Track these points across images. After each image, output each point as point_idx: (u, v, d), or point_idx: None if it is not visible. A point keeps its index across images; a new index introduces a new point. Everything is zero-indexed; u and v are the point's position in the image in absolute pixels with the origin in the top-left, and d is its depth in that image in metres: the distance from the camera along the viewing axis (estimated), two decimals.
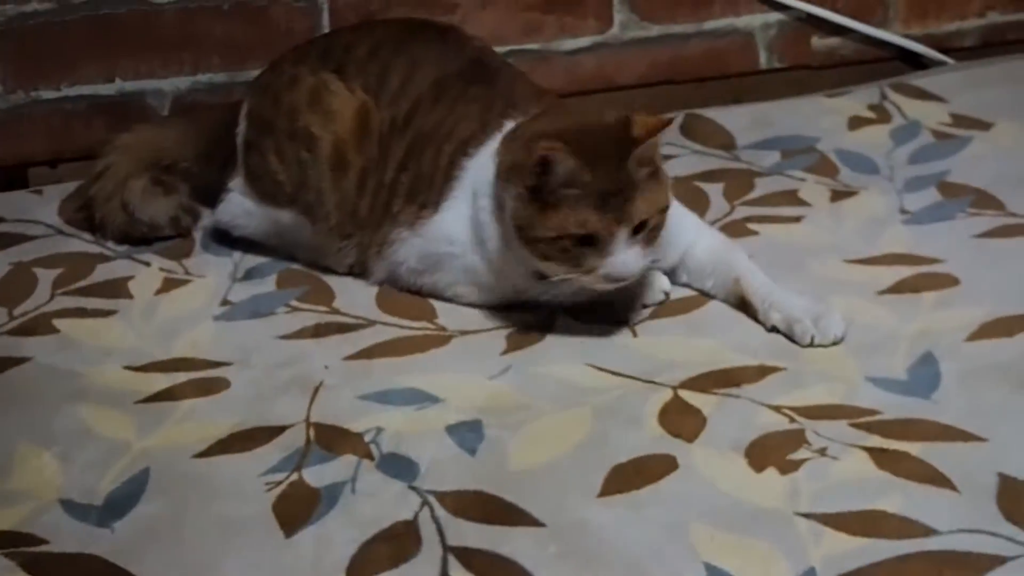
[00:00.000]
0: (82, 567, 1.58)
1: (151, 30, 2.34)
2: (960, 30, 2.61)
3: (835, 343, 1.89)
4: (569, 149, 1.81)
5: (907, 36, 2.58)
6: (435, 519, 1.62)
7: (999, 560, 1.53)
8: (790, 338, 1.91)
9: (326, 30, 2.38)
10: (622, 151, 1.83)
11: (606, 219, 1.82)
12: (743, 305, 1.97)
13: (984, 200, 2.18)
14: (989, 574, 1.52)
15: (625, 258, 1.84)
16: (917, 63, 2.60)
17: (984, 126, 2.38)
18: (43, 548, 1.60)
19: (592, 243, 1.83)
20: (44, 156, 2.37)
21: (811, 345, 1.89)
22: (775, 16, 2.53)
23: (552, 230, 1.83)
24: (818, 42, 2.57)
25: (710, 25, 2.52)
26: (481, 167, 1.96)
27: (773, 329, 1.93)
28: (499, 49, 2.30)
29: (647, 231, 1.86)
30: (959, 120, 2.40)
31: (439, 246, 1.99)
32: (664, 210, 1.89)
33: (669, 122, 1.89)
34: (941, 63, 2.59)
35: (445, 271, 2.01)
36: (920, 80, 2.52)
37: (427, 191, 2.01)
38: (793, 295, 1.94)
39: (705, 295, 2.01)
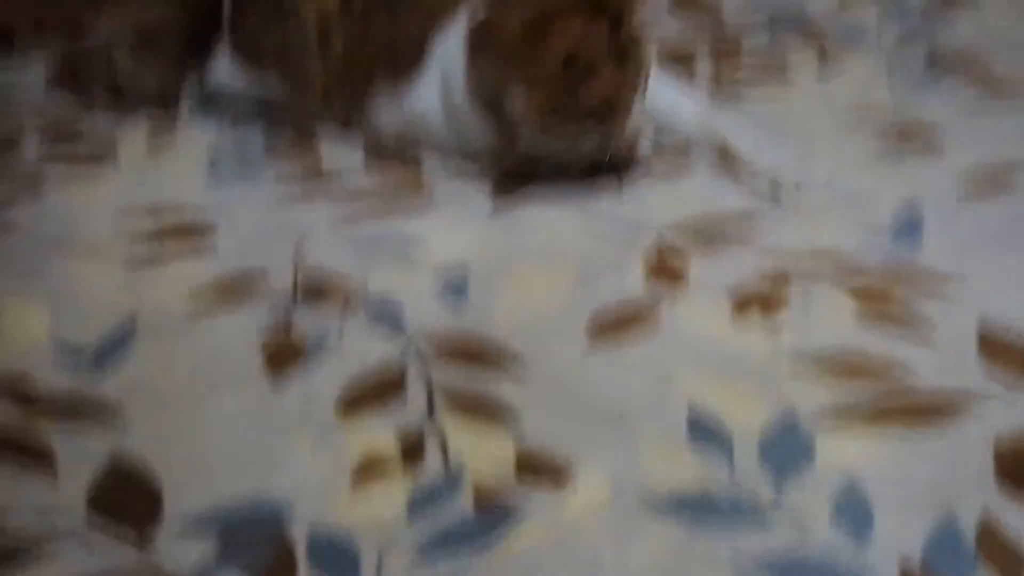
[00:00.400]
0: (73, 406, 1.59)
1: None
2: None
3: (822, 190, 1.90)
4: (581, 26, 1.84)
5: None
6: (421, 360, 1.63)
7: (977, 399, 1.55)
8: (774, 190, 1.91)
9: None
10: (617, 11, 1.87)
11: (627, 83, 1.88)
12: (727, 160, 1.98)
13: (972, 65, 2.18)
14: (966, 413, 1.53)
15: (638, 109, 1.91)
16: None
17: None
18: (34, 388, 1.62)
19: (616, 107, 1.88)
20: (27, 17, 2.35)
21: (795, 192, 1.90)
22: None
23: (582, 107, 1.88)
24: None
25: None
26: (453, 48, 1.97)
27: (757, 181, 1.93)
28: None
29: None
30: None
31: (417, 117, 2.01)
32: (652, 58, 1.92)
33: None
34: None
35: (426, 135, 2.01)
36: None
37: (406, 62, 2.02)
38: (777, 149, 1.94)
39: (691, 152, 2.01)
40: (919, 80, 2.18)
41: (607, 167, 1.96)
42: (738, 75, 2.23)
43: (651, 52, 1.89)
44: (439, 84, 1.98)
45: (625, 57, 1.85)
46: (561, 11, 1.86)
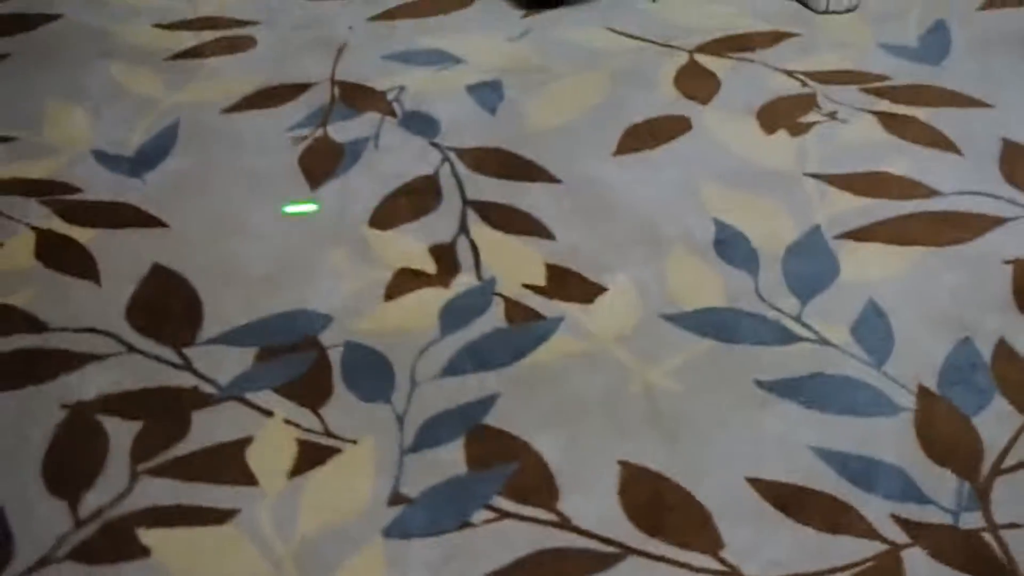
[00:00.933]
0: (114, 214, 1.60)
1: None
2: None
3: (849, 10, 1.88)
4: None
5: None
6: (455, 174, 1.63)
7: (999, 220, 1.55)
8: (804, 4, 1.89)
9: None
10: None
11: None
12: None
13: None
14: (988, 233, 1.54)
15: None
16: None
17: None
18: (77, 196, 1.62)
19: None
20: None
21: (826, 12, 1.88)
22: None
23: None
24: None
25: None
26: None
27: None
28: None
29: None
30: None
31: None
32: None
33: None
34: None
35: None
36: None
37: None
38: None
39: None
40: None
41: None
42: None
43: None
44: None
45: None
46: None
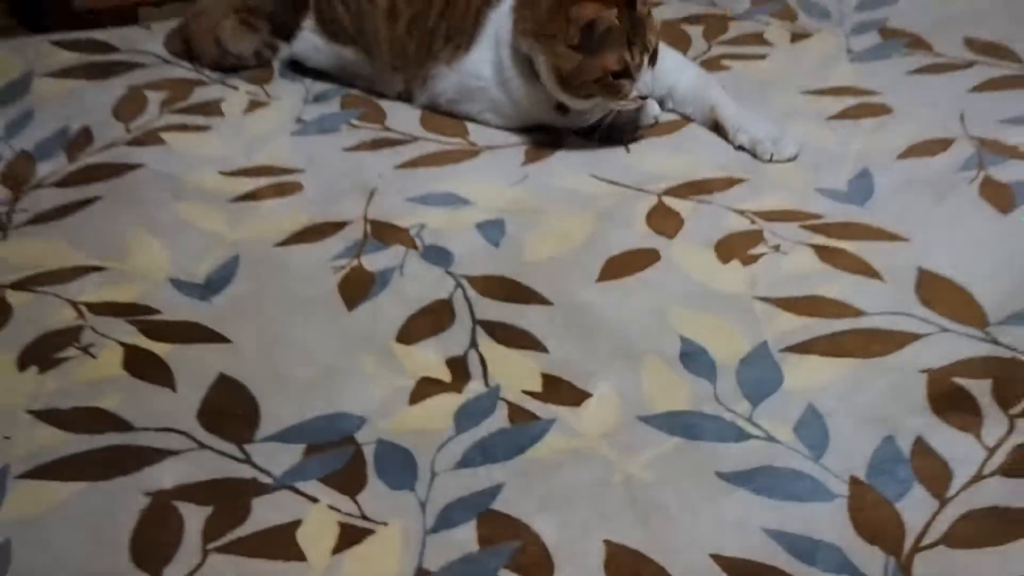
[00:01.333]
0: (187, 332, 1.60)
1: None
2: None
3: (790, 160, 1.88)
4: (601, 5, 1.80)
5: None
6: (466, 298, 1.63)
7: (915, 336, 1.55)
8: (754, 155, 1.90)
9: None
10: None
11: (635, 53, 1.83)
12: (716, 128, 1.95)
13: (915, 42, 2.15)
14: (907, 347, 1.53)
15: (647, 79, 1.86)
16: None
17: None
18: (157, 317, 1.62)
19: (625, 74, 1.83)
20: None
21: (770, 161, 1.88)
22: None
23: (597, 71, 1.83)
24: None
25: None
26: (502, 17, 1.94)
27: (740, 148, 1.91)
28: None
29: (653, 56, 1.87)
30: None
31: (470, 80, 1.98)
32: (659, 35, 1.88)
33: None
34: None
35: (475, 101, 1.99)
36: None
37: (460, 35, 1.98)
38: (757, 120, 1.93)
39: (686, 119, 2.00)
40: (871, 52, 2.15)
41: (619, 129, 1.95)
42: (725, 47, 2.20)
43: (657, 31, 1.86)
44: (492, 53, 1.95)
45: (635, 34, 1.83)
46: None
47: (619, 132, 1.94)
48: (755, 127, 1.91)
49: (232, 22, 2.17)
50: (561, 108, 1.91)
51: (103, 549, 1.32)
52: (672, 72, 1.99)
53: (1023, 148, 1.87)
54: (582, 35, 1.81)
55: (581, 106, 1.89)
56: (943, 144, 1.89)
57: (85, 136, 1.99)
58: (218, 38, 2.16)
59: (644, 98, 1.88)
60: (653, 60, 1.87)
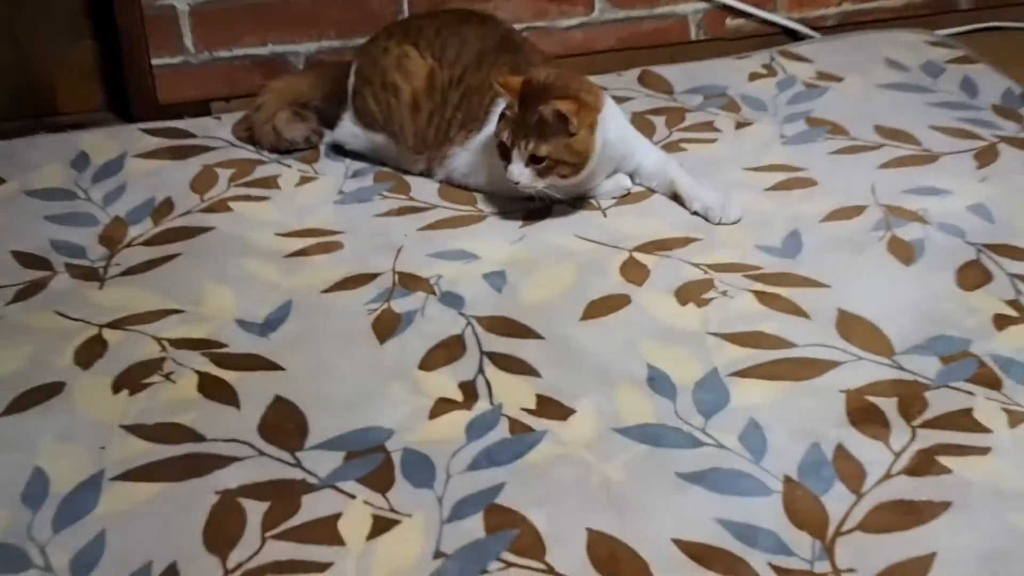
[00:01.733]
0: (249, 362, 1.61)
1: (289, 10, 2.32)
2: (824, 14, 2.56)
3: (735, 223, 1.89)
4: (517, 88, 1.83)
5: (789, 18, 2.54)
6: (475, 334, 1.64)
7: (835, 363, 1.56)
8: (706, 219, 1.90)
9: (406, 14, 2.35)
10: (542, 99, 1.82)
11: (508, 135, 1.84)
12: (675, 197, 1.96)
13: (835, 129, 2.16)
14: (829, 372, 1.54)
15: (517, 170, 1.84)
16: (795, 36, 2.56)
17: (838, 79, 2.34)
18: (225, 350, 1.63)
19: (504, 153, 1.85)
20: (222, 94, 2.34)
21: (719, 224, 1.89)
22: (702, 4, 2.49)
23: (496, 131, 1.87)
24: (730, 22, 2.53)
25: (658, 10, 2.47)
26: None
27: (695, 213, 1.92)
28: (518, 26, 2.27)
29: (542, 165, 1.83)
30: (821, 75, 2.36)
31: (479, 158, 1.98)
32: (564, 162, 1.84)
33: (577, 108, 1.82)
34: (811, 36, 2.56)
35: (483, 174, 1.99)
36: (797, 48, 2.49)
37: (473, 123, 1.99)
38: (708, 190, 1.93)
39: (651, 191, 2.00)
40: (800, 137, 2.16)
41: (595, 198, 1.96)
42: (682, 132, 2.20)
43: (594, 141, 1.86)
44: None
45: (520, 130, 1.83)
46: (557, 93, 1.83)
47: (597, 201, 1.95)
48: (706, 196, 1.92)
49: (287, 114, 2.18)
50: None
51: (180, 537, 1.33)
52: (638, 154, 1.99)
53: (921, 213, 1.88)
54: (552, 121, 1.82)
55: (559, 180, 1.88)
56: (858, 210, 1.90)
57: (168, 205, 2.00)
58: (275, 127, 2.17)
59: (515, 184, 1.85)
60: (536, 165, 1.83)
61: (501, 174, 1.90)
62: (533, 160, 1.84)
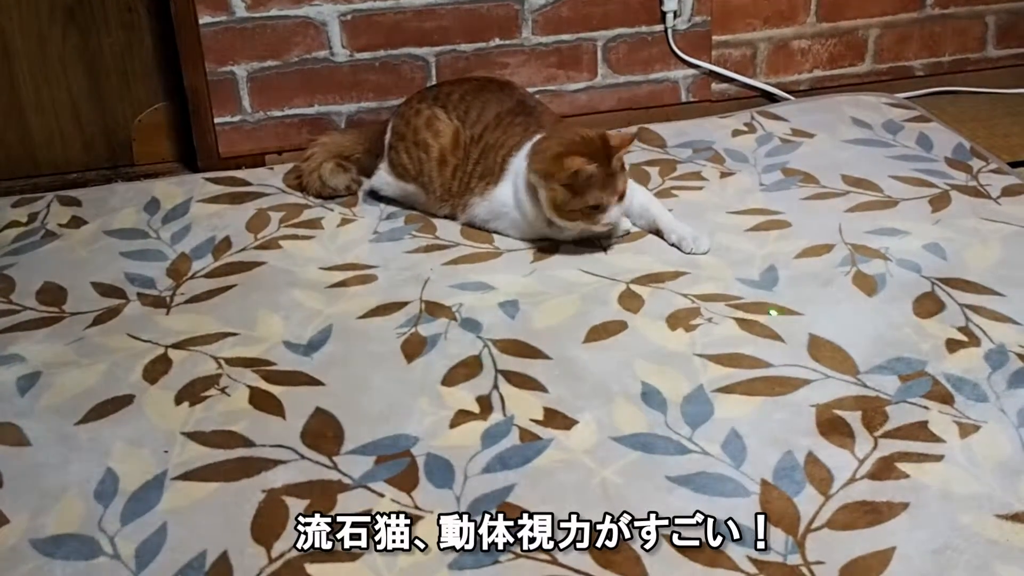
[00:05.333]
0: (294, 378, 1.60)
1: (333, 76, 2.33)
2: (798, 79, 2.57)
3: (704, 253, 1.88)
4: (587, 160, 1.81)
5: (767, 83, 2.55)
6: (491, 355, 1.63)
7: (807, 381, 1.54)
8: (679, 249, 1.90)
9: (434, 79, 2.36)
10: (608, 154, 1.83)
11: (607, 195, 1.83)
12: (658, 232, 1.95)
13: (807, 178, 2.16)
14: (801, 389, 1.52)
15: (614, 213, 1.86)
16: (772, 99, 2.56)
17: (810, 136, 2.34)
18: (273, 367, 1.63)
19: (599, 209, 1.84)
20: (274, 148, 2.35)
21: (691, 253, 1.88)
22: (691, 71, 2.50)
23: (580, 205, 1.84)
24: (715, 86, 2.53)
25: (653, 76, 2.48)
26: (520, 160, 1.94)
27: (672, 244, 1.92)
28: (532, 90, 2.28)
29: (619, 196, 1.86)
30: (795, 132, 2.36)
31: (497, 207, 1.98)
32: (626, 182, 1.89)
33: (633, 138, 1.88)
34: (786, 99, 2.56)
35: (500, 220, 1.99)
36: (774, 109, 2.48)
37: (491, 176, 1.99)
38: (684, 225, 1.93)
39: (641, 229, 1.99)
40: (776, 185, 2.15)
41: (600, 238, 1.96)
42: (674, 181, 2.19)
43: (626, 179, 1.87)
44: (512, 186, 1.95)
45: (607, 182, 1.84)
46: (577, 147, 1.85)
47: (599, 241, 1.95)
48: (681, 229, 1.92)
49: (331, 165, 2.18)
50: (552, 224, 1.91)
51: (232, 529, 1.32)
52: (634, 195, 1.99)
53: (883, 251, 1.87)
54: (570, 179, 1.83)
55: (566, 226, 1.89)
56: (827, 248, 1.89)
57: (226, 243, 2.00)
58: (321, 176, 2.17)
59: (611, 226, 1.88)
60: (621, 199, 1.86)
61: (526, 224, 1.93)
62: (620, 198, 1.86)
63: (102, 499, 1.38)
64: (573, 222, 1.87)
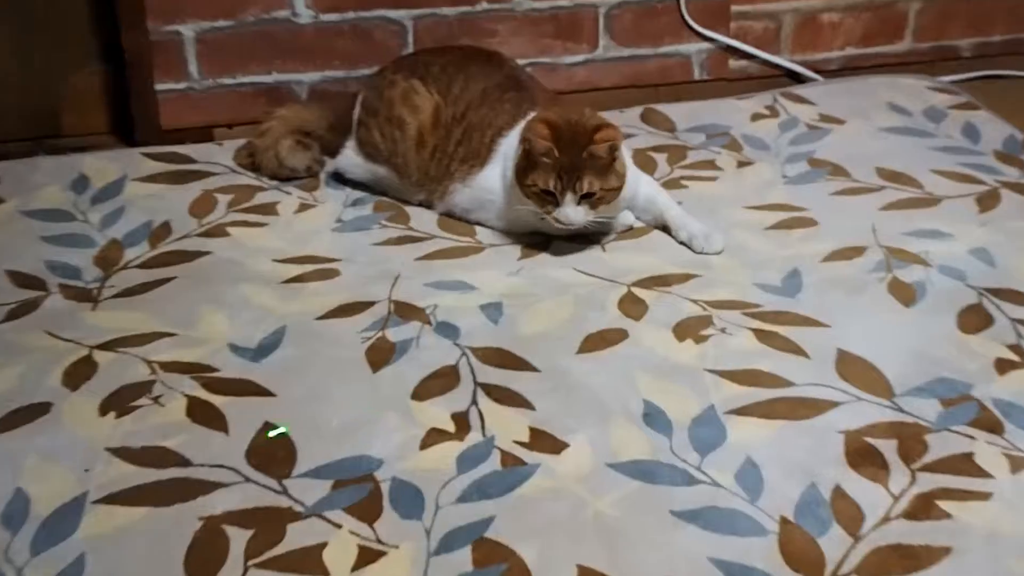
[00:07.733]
0: (240, 387, 1.57)
1: (296, 40, 2.30)
2: (827, 58, 2.57)
3: (717, 253, 1.87)
4: (549, 134, 1.79)
5: (792, 60, 2.55)
6: (469, 365, 1.61)
7: (834, 404, 1.53)
8: (690, 247, 1.89)
9: (411, 48, 2.34)
10: (583, 145, 1.80)
11: (561, 186, 1.80)
12: (665, 228, 1.94)
13: (837, 170, 2.15)
14: (828, 412, 1.51)
15: (569, 212, 1.81)
16: (798, 79, 2.56)
17: (840, 122, 2.34)
18: (216, 374, 1.60)
19: (552, 199, 1.82)
20: (224, 121, 2.33)
21: (702, 253, 1.87)
22: (706, 44, 2.49)
23: (530, 181, 1.82)
24: (733, 63, 2.53)
25: (662, 49, 2.47)
26: (510, 144, 1.92)
27: (681, 242, 1.91)
28: (523, 62, 2.27)
29: (593, 199, 1.82)
30: (824, 117, 2.36)
31: (481, 194, 1.96)
32: (612, 189, 1.84)
33: (608, 140, 1.82)
34: (814, 79, 2.55)
35: (484, 210, 1.97)
36: (799, 90, 2.48)
37: (475, 159, 1.97)
38: (695, 221, 1.92)
39: (646, 224, 1.98)
40: (801, 177, 2.14)
41: (597, 233, 1.93)
42: (684, 170, 2.19)
43: (604, 181, 1.82)
44: (500, 169, 1.93)
45: (566, 171, 1.80)
46: (556, 122, 1.81)
47: (596, 236, 1.93)
48: (692, 226, 1.91)
49: (289, 141, 2.16)
50: (535, 214, 1.88)
51: (162, 563, 1.29)
52: (631, 186, 1.97)
53: (922, 256, 1.86)
54: (524, 150, 1.81)
55: (526, 204, 1.86)
56: (859, 251, 1.88)
57: (165, 229, 1.97)
58: (277, 154, 2.15)
59: (566, 226, 1.83)
60: (588, 200, 1.82)
61: (515, 215, 1.90)
62: (585, 197, 1.82)
63: (10, 524, 1.34)
64: (526, 201, 1.85)
